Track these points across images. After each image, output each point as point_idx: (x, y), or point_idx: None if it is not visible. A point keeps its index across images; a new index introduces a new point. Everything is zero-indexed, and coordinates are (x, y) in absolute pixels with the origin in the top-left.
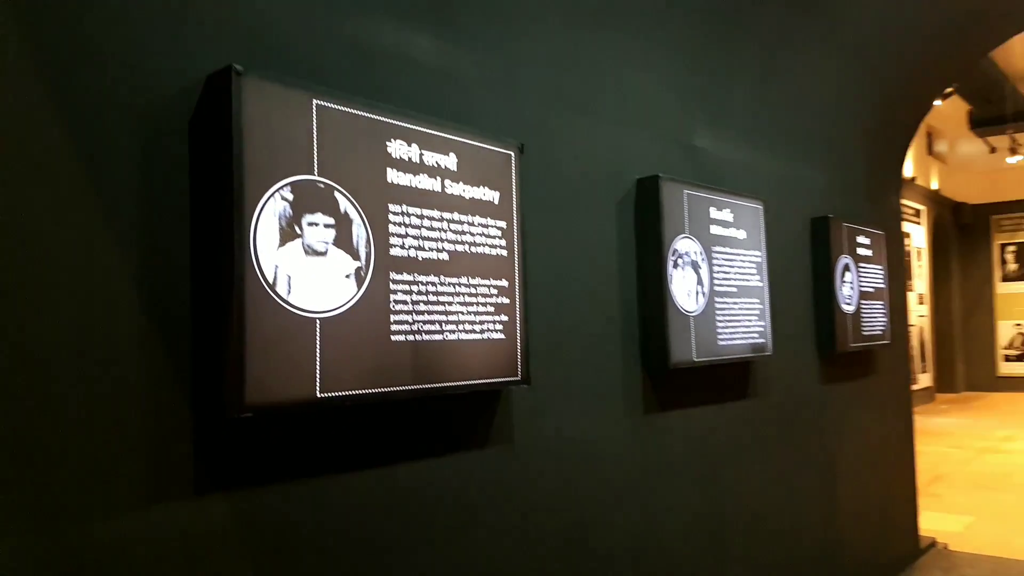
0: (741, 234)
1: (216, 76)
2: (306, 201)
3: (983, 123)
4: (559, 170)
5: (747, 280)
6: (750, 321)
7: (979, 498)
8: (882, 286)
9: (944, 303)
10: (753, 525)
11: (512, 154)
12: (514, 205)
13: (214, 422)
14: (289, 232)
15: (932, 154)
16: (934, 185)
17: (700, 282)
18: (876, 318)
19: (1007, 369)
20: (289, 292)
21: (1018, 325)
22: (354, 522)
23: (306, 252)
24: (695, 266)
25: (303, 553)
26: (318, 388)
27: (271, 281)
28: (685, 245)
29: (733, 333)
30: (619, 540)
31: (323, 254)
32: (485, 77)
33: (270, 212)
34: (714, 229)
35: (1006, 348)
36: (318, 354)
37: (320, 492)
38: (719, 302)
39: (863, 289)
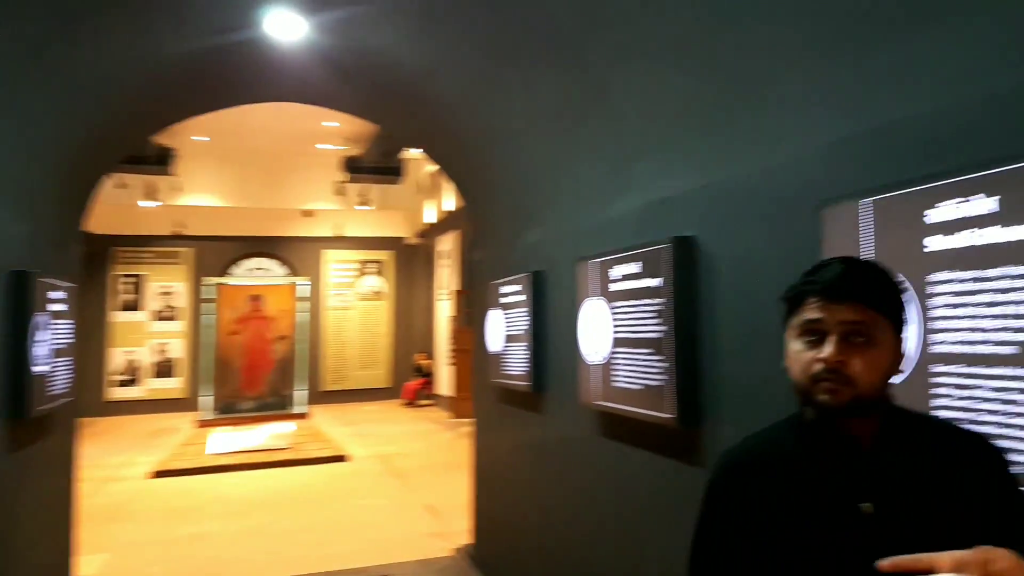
0: None
1: None
2: None
3: None
4: None
5: None
6: None
7: (111, 531)
8: (71, 341)
9: None
10: None
11: None
12: None
13: None
14: None
15: None
16: None
17: None
18: (62, 376)
19: (118, 394)
20: None
21: (129, 352)
22: None
23: None
24: None
25: None
26: None
27: None
28: None
29: None
30: None
31: None
32: None
33: None
34: None
35: (117, 374)
36: None
37: None
38: None
39: (56, 346)
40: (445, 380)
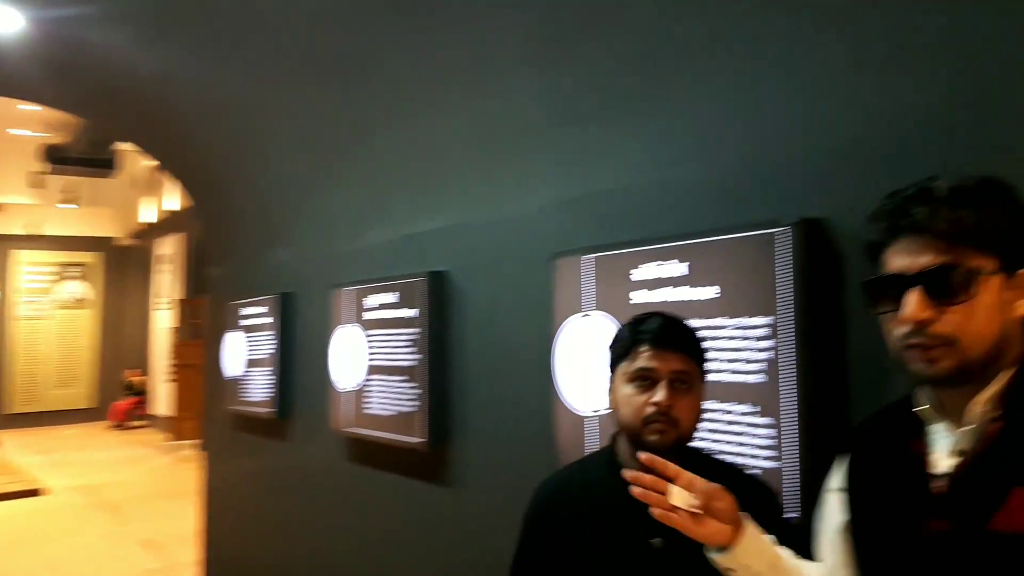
0: None
1: None
2: None
3: None
4: None
5: None
6: None
7: None
8: None
9: None
10: None
11: None
12: None
13: None
14: None
15: None
16: None
17: None
18: None
19: None
20: None
21: None
22: None
23: None
24: None
25: None
26: None
27: None
28: None
29: None
30: None
31: None
32: None
33: None
34: None
35: None
36: None
37: None
38: None
39: None
40: (163, 399)
